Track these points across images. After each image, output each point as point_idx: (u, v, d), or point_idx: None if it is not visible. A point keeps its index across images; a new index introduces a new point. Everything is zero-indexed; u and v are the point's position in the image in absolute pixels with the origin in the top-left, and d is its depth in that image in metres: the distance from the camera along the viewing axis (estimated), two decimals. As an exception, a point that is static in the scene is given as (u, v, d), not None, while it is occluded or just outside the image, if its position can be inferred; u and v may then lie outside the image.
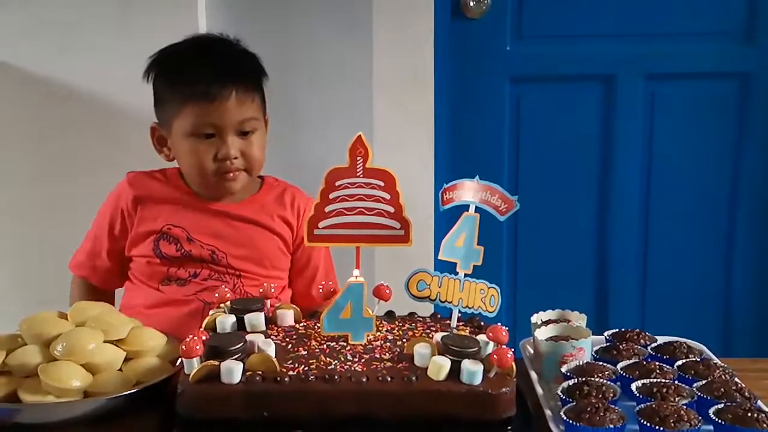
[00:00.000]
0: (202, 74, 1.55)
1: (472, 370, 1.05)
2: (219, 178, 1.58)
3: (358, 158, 1.16)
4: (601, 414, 1.02)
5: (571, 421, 1.03)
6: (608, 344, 1.29)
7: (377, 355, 1.13)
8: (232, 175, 1.58)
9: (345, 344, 1.16)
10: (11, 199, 2.16)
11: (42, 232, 2.15)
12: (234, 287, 1.61)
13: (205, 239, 1.61)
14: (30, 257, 2.18)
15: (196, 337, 1.07)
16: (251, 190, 1.68)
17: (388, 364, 1.10)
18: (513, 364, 1.07)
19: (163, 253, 1.61)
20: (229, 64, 1.59)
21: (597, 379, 1.13)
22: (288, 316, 1.25)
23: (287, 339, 1.18)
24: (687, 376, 1.16)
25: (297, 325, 1.25)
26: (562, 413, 1.05)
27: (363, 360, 1.11)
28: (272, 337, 1.18)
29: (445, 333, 1.16)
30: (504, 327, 1.11)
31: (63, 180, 2.14)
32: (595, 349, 1.27)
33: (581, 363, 1.20)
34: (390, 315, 1.29)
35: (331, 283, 1.32)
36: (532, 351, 1.30)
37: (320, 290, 1.30)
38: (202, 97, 1.53)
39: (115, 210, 1.66)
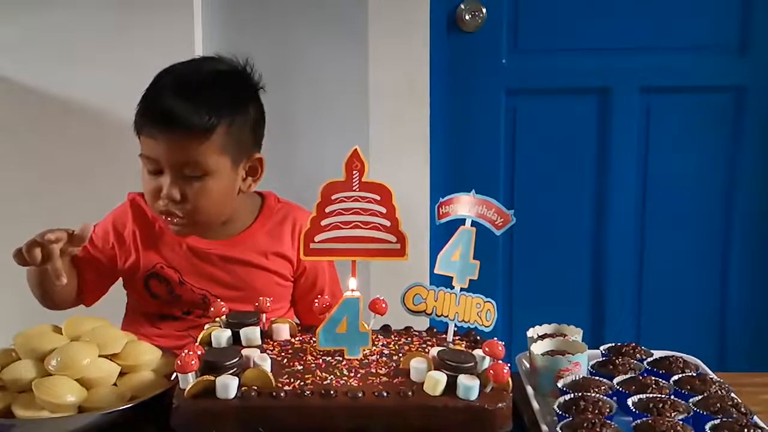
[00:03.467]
0: (154, 105, 1.49)
1: (469, 385, 1.04)
2: (163, 217, 1.51)
3: (354, 172, 1.16)
4: (598, 429, 1.02)
5: (567, 437, 1.03)
6: (604, 359, 1.29)
7: (373, 370, 1.13)
8: (172, 219, 1.50)
9: (341, 359, 1.16)
10: (8, 212, 2.15)
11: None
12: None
13: (197, 282, 1.56)
14: (24, 269, 2.17)
15: (191, 352, 1.07)
16: (246, 220, 1.60)
17: (384, 378, 1.10)
18: (509, 379, 1.06)
19: (154, 293, 1.58)
20: (187, 99, 1.46)
21: (593, 394, 1.13)
22: (284, 330, 1.25)
23: (283, 353, 1.18)
24: (683, 391, 1.16)
25: (293, 340, 1.24)
26: (558, 429, 1.05)
27: (359, 375, 1.11)
28: (268, 351, 1.18)
29: (442, 348, 1.15)
30: (500, 342, 1.10)
31: (61, 193, 2.14)
32: (591, 363, 1.26)
33: (577, 378, 1.20)
34: (386, 329, 1.28)
35: (327, 297, 1.31)
36: (528, 365, 1.30)
37: (315, 305, 1.29)
38: (144, 129, 1.49)
39: (117, 228, 1.61)
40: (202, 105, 1.47)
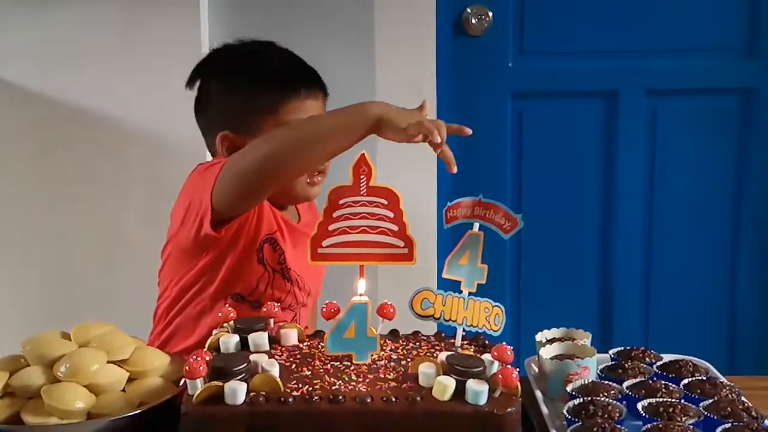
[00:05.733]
0: (290, 69, 1.52)
1: (477, 390, 1.04)
2: (308, 182, 1.52)
3: (362, 176, 1.16)
4: (608, 434, 1.02)
5: (577, 442, 1.02)
6: (613, 363, 1.28)
7: (381, 375, 1.12)
8: (319, 177, 1.53)
9: (349, 364, 1.16)
10: (14, 217, 2.16)
11: (44, 250, 2.15)
12: (294, 319, 1.53)
13: (295, 265, 1.51)
14: (33, 275, 2.18)
15: (199, 358, 1.07)
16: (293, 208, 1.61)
17: (393, 383, 1.10)
18: (518, 383, 1.06)
19: (265, 259, 1.48)
20: (305, 64, 1.56)
21: (603, 399, 1.12)
22: (292, 336, 1.25)
23: (291, 359, 1.18)
24: (693, 395, 1.16)
25: (301, 345, 1.24)
26: (567, 433, 1.04)
27: (367, 380, 1.10)
28: (276, 357, 1.17)
29: (450, 352, 1.15)
30: (509, 346, 1.10)
31: (66, 198, 2.14)
32: (600, 367, 1.26)
33: (587, 382, 1.19)
34: (394, 334, 1.28)
35: (335, 302, 1.31)
36: (537, 370, 1.30)
37: (323, 309, 1.29)
38: (299, 93, 1.49)
39: None
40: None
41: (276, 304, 1.29)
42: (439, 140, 1.21)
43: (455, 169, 1.26)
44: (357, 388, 1.08)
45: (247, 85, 1.51)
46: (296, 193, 1.53)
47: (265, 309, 1.28)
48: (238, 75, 1.53)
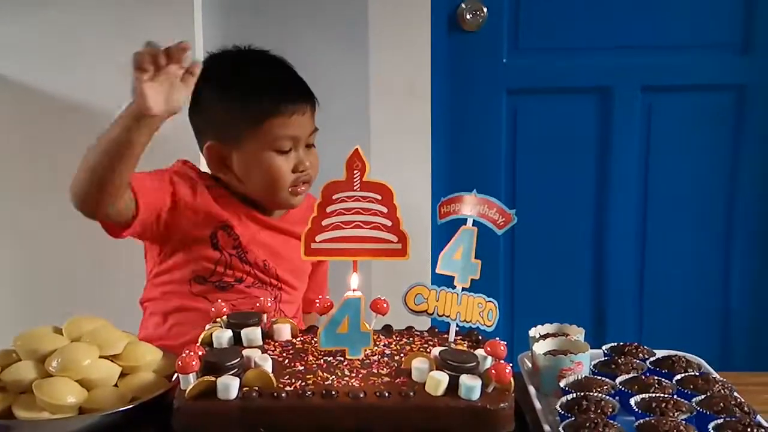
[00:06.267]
0: (279, 86, 1.57)
1: (470, 385, 1.04)
2: (291, 191, 1.58)
3: (355, 172, 1.16)
4: (600, 429, 1.02)
5: (570, 437, 1.02)
6: (606, 358, 1.28)
7: (375, 370, 1.12)
8: (303, 187, 1.59)
9: (342, 359, 1.16)
10: (9, 212, 2.15)
11: (39, 246, 2.14)
12: (274, 299, 1.59)
13: (258, 251, 1.60)
14: (27, 271, 2.17)
15: (192, 353, 1.07)
16: None
17: (386, 379, 1.10)
18: (511, 379, 1.06)
19: (220, 245, 1.57)
20: (295, 78, 1.62)
21: (596, 394, 1.12)
22: (285, 331, 1.25)
23: (284, 354, 1.18)
24: (686, 391, 1.16)
25: (294, 340, 1.24)
26: (560, 429, 1.04)
27: (360, 375, 1.11)
28: (269, 352, 1.18)
29: (443, 347, 1.15)
30: (502, 341, 1.10)
31: (61, 192, 2.13)
32: (593, 363, 1.26)
33: (580, 377, 1.19)
34: (387, 329, 1.28)
35: (328, 297, 1.31)
36: (530, 365, 1.30)
37: (317, 304, 1.29)
38: (285, 109, 1.54)
39: (177, 182, 1.55)
40: (299, 78, 1.64)
41: (269, 299, 1.30)
42: (145, 67, 1.22)
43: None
44: (350, 383, 1.08)
45: (234, 97, 1.56)
46: (279, 201, 1.60)
47: (258, 304, 1.29)
48: (227, 86, 1.57)
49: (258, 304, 1.29)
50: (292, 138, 1.56)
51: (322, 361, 1.15)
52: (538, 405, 1.16)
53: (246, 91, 1.56)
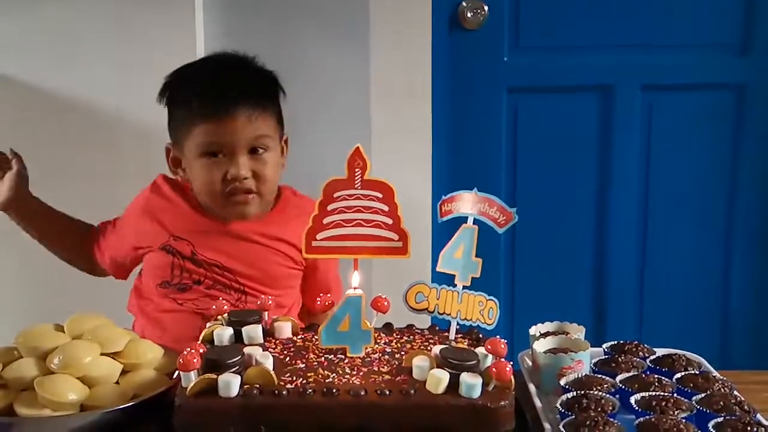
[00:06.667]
0: (210, 92, 1.52)
1: (471, 384, 1.04)
2: (229, 200, 1.54)
3: (357, 170, 1.16)
4: (601, 428, 1.02)
5: (570, 435, 1.03)
6: (607, 356, 1.29)
7: (375, 368, 1.12)
8: (242, 197, 1.54)
9: (343, 357, 1.16)
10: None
11: (36, 242, 2.14)
12: (237, 301, 1.58)
13: (212, 255, 1.59)
14: (28, 269, 2.17)
15: (193, 350, 1.07)
16: (264, 207, 1.63)
17: (387, 377, 1.10)
18: (512, 377, 1.06)
19: (174, 250, 1.58)
20: (239, 80, 1.56)
21: (596, 392, 1.12)
22: (286, 329, 1.25)
23: (285, 352, 1.18)
24: (686, 389, 1.16)
25: (295, 338, 1.24)
26: (561, 427, 1.05)
27: (361, 373, 1.11)
28: (270, 349, 1.18)
29: (444, 346, 1.15)
30: (503, 340, 1.10)
31: (61, 191, 2.13)
32: (593, 361, 1.26)
33: (580, 376, 1.20)
34: (388, 327, 1.28)
35: (329, 295, 1.31)
36: (530, 363, 1.30)
37: (318, 302, 1.29)
38: (211, 115, 1.51)
39: (142, 212, 1.63)
40: (259, 74, 1.58)
41: (269, 297, 1.30)
42: None
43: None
44: (351, 381, 1.08)
45: (178, 101, 1.57)
46: (219, 208, 1.58)
47: (259, 302, 1.29)
48: (176, 90, 1.58)
49: (259, 302, 1.29)
50: (221, 144, 1.51)
51: (323, 358, 1.15)
52: (538, 403, 1.16)
53: (186, 94, 1.55)
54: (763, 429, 1.03)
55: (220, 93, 1.52)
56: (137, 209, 1.64)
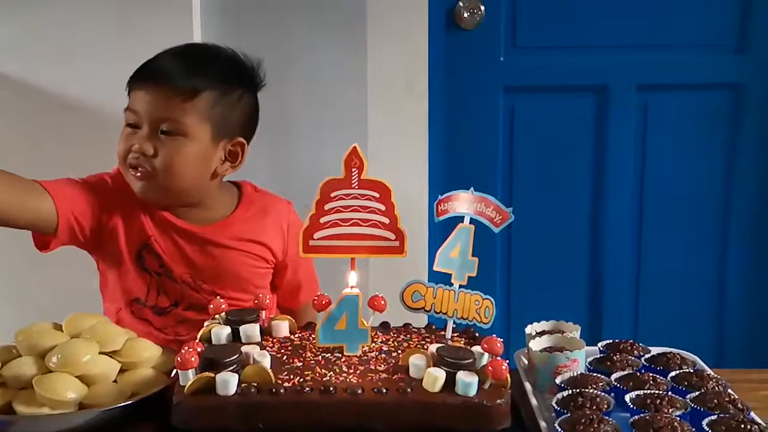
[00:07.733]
0: (150, 62, 1.51)
1: (467, 382, 1.05)
2: (128, 173, 1.49)
3: (353, 169, 1.17)
4: (596, 425, 1.02)
5: (565, 433, 1.03)
6: (602, 355, 1.29)
7: (372, 367, 1.13)
8: (133, 171, 1.47)
9: (340, 355, 1.16)
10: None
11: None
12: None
13: (181, 269, 1.54)
14: (25, 267, 2.17)
15: (191, 349, 1.08)
16: (226, 210, 1.59)
17: (384, 375, 1.11)
18: (508, 375, 1.07)
19: (147, 265, 1.53)
20: (180, 59, 1.51)
21: (591, 390, 1.13)
22: (283, 327, 1.25)
23: (282, 350, 1.19)
24: (680, 388, 1.17)
25: (292, 336, 1.25)
26: (556, 425, 1.05)
27: (358, 371, 1.11)
28: (267, 348, 1.18)
29: (440, 344, 1.16)
30: (499, 338, 1.11)
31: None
32: (589, 360, 1.27)
33: (575, 374, 1.20)
34: (385, 326, 1.29)
35: (326, 294, 1.32)
36: (526, 362, 1.31)
37: (314, 301, 1.29)
38: (136, 80, 1.49)
39: (101, 192, 1.54)
40: (192, 68, 1.50)
41: (267, 296, 1.30)
42: None
43: None
44: (348, 380, 1.09)
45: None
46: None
47: (256, 301, 1.29)
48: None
49: (256, 301, 1.29)
50: (136, 113, 1.47)
51: (320, 357, 1.16)
52: (534, 401, 1.17)
53: (142, 64, 1.53)
54: (756, 427, 1.03)
55: (156, 64, 1.50)
56: (103, 184, 1.56)
